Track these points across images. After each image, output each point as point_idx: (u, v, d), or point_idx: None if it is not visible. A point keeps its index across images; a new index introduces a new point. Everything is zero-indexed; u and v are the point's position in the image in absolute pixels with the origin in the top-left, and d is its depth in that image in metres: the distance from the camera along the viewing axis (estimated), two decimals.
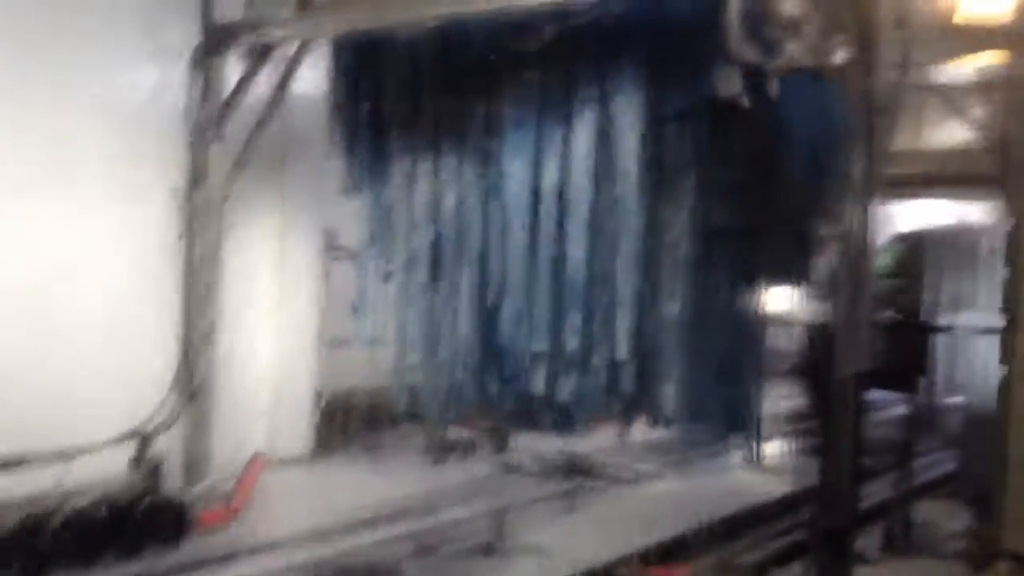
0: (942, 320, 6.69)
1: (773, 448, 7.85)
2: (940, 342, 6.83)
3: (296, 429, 7.49)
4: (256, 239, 6.90)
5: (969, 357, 7.32)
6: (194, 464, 6.23)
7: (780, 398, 7.92)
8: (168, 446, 6.10)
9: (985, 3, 3.78)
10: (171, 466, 6.07)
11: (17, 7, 5.38)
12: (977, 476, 6.77)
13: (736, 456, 7.61)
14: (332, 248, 7.66)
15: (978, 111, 4.61)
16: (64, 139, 5.61)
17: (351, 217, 6.42)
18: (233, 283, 6.55)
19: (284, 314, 7.28)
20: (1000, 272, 7.94)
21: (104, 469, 5.69)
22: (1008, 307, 2.21)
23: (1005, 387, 2.24)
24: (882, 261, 8.78)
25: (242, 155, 6.08)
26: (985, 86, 4.41)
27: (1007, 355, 2.25)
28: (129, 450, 5.91)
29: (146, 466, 5.93)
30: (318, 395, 7.67)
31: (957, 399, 7.56)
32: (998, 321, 7.72)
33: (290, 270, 7.25)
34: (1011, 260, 2.17)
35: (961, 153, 5.14)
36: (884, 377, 5.19)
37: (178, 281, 6.22)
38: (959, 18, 3.83)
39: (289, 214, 7.06)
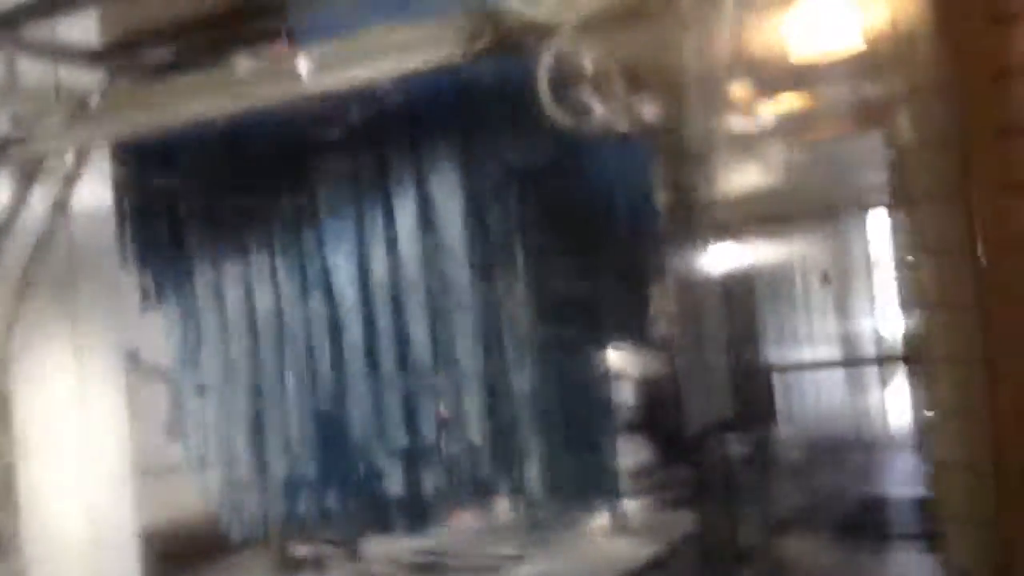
0: (777, 358, 6.99)
1: (632, 508, 7.87)
2: (780, 380, 7.13)
3: (121, 571, 6.86)
4: (49, 369, 6.30)
5: (809, 392, 7.68)
6: None
7: (632, 456, 7.98)
8: None
9: (791, 45, 3.96)
10: None
11: None
12: (826, 508, 7.05)
13: (596, 523, 7.57)
14: (136, 369, 7.17)
15: (788, 152, 4.83)
16: None
17: (156, 333, 6.04)
18: (28, 422, 5.95)
19: (91, 447, 6.68)
20: (824, 307, 8.47)
21: None
22: (914, 354, 2.21)
23: (929, 433, 2.23)
24: (716, 306, 9.10)
25: (22, 281, 5.54)
26: (795, 128, 4.62)
27: (930, 401, 2.24)
28: None
29: None
30: (141, 531, 7.08)
31: (802, 433, 7.88)
32: (830, 355, 8.18)
33: (92, 399, 6.67)
34: (914, 304, 2.18)
35: (775, 194, 5.37)
36: (734, 421, 5.35)
37: None
38: (767, 63, 3.99)
39: (84, 338, 6.50)
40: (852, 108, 4.14)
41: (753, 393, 6.08)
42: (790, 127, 4.49)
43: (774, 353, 6.88)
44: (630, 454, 7.93)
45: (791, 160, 5.16)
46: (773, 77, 4.11)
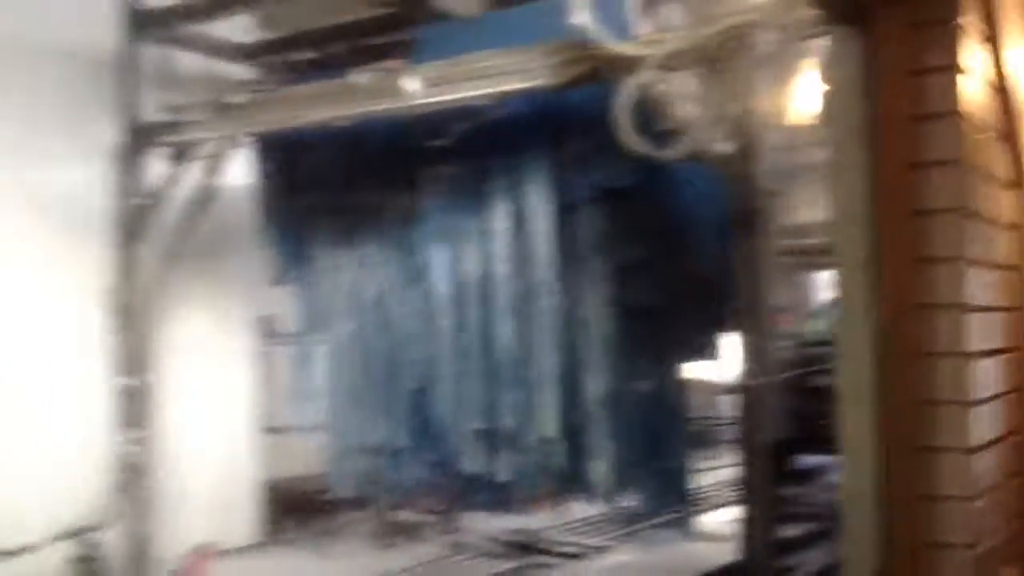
0: None
1: (717, 516, 8.05)
2: None
3: (241, 519, 7.61)
4: (191, 331, 7.11)
5: None
6: (137, 560, 6.32)
7: (720, 466, 8.16)
8: (109, 543, 6.25)
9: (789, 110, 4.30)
10: (113, 563, 6.23)
11: None
12: None
13: (681, 524, 7.81)
14: (268, 335, 7.91)
15: None
16: None
17: (285, 306, 6.75)
18: (169, 377, 6.73)
19: (223, 405, 7.45)
20: None
21: (41, 572, 5.90)
22: None
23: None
24: (812, 328, 9.22)
25: (171, 251, 6.34)
26: None
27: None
28: (69, 548, 6.10)
29: (87, 564, 6.12)
30: (262, 483, 7.81)
31: None
32: None
33: (226, 360, 7.45)
34: None
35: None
36: (815, 442, 5.51)
37: (112, 379, 6.37)
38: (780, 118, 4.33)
39: (222, 305, 7.29)
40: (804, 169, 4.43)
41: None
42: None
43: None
44: (719, 466, 8.11)
45: None
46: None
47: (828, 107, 2.62)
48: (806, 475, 7.67)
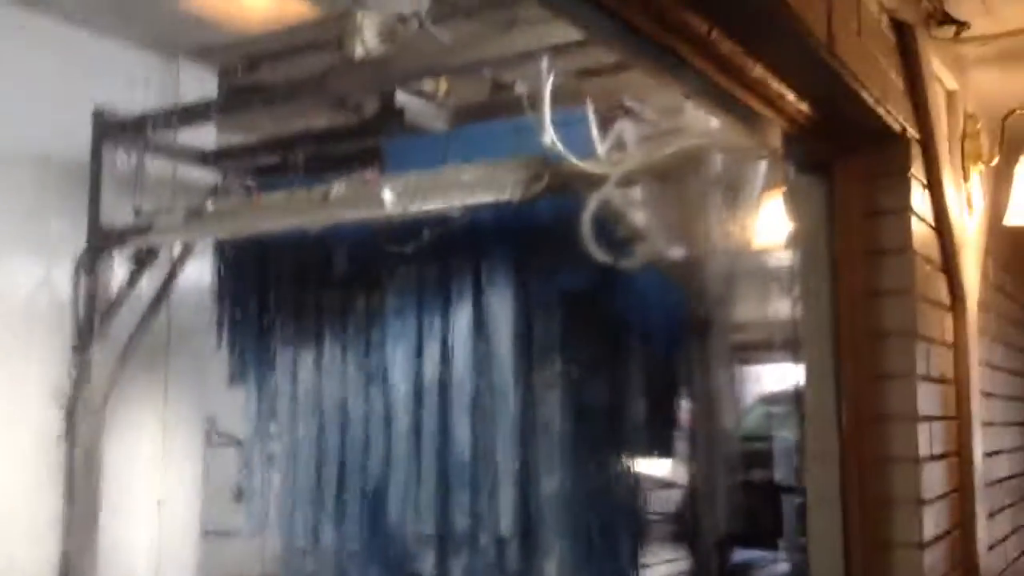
0: (794, 479, 7.41)
1: None
2: (790, 501, 7.54)
3: None
4: (138, 431, 7.17)
5: None
6: None
7: (668, 561, 8.40)
8: None
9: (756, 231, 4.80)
10: None
11: None
12: None
13: None
14: (214, 435, 7.98)
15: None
16: None
17: (234, 406, 6.89)
18: (114, 477, 6.78)
19: (166, 505, 7.48)
20: None
21: None
22: None
23: None
24: (749, 424, 9.71)
25: (125, 351, 6.48)
26: None
27: None
28: None
29: None
30: None
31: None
32: None
33: (172, 460, 7.50)
34: None
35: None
36: (750, 538, 5.84)
37: (58, 478, 6.43)
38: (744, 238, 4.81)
39: (172, 405, 7.39)
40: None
41: (769, 511, 6.56)
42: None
43: (793, 472, 7.32)
44: (669, 562, 8.33)
45: None
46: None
47: (795, 242, 3.05)
48: (741, 570, 7.98)
